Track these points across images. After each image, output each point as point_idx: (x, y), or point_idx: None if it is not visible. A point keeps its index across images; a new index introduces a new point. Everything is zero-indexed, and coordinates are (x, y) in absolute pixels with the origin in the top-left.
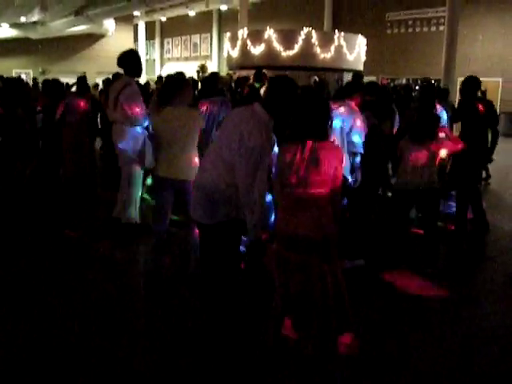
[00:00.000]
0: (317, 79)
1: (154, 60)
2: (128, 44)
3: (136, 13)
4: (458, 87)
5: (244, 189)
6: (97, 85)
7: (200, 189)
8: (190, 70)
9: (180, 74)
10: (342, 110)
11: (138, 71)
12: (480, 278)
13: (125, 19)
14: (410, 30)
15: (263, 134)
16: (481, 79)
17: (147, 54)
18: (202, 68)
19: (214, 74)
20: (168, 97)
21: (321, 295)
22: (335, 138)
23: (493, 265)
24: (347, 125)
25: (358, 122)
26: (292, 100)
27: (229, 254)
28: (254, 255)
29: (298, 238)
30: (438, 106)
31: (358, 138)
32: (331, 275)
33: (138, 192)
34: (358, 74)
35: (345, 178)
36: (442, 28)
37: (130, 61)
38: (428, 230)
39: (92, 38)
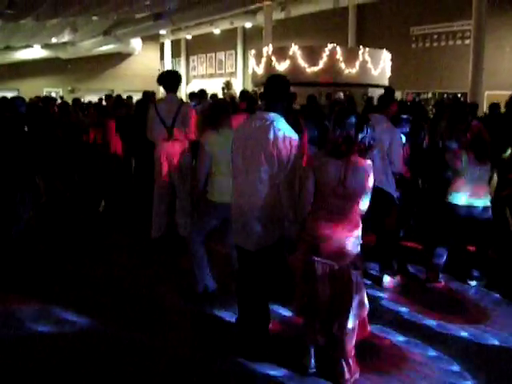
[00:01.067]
0: (341, 95)
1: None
2: (154, 62)
3: (162, 31)
4: (485, 101)
5: (289, 192)
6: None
7: (248, 214)
8: (216, 87)
9: (203, 92)
10: (384, 125)
11: (175, 87)
12: None
13: (151, 38)
14: (435, 44)
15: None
16: (508, 92)
17: None
18: (227, 85)
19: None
20: (216, 120)
21: (348, 299)
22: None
23: None
24: (387, 141)
25: (398, 138)
26: (287, 95)
27: (274, 275)
28: (285, 252)
29: (332, 245)
30: None
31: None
32: (356, 280)
33: None
34: (389, 88)
35: (390, 195)
36: (467, 41)
37: (169, 78)
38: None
39: (119, 57)
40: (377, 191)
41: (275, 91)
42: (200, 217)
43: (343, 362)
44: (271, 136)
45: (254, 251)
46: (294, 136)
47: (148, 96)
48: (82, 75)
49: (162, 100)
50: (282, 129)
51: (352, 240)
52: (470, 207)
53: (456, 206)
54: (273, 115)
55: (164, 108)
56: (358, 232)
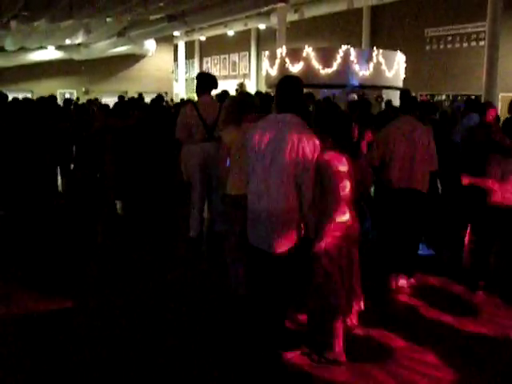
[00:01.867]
0: (355, 97)
1: (194, 79)
2: (168, 64)
3: (176, 33)
4: (500, 103)
5: (310, 195)
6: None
7: (265, 216)
8: (230, 88)
9: (225, 93)
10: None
11: (211, 88)
12: None
13: (165, 39)
14: (450, 45)
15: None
16: None
17: (187, 73)
18: (241, 86)
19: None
20: (239, 116)
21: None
22: None
23: None
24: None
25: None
26: (301, 95)
27: (292, 279)
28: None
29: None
30: None
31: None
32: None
33: None
34: (406, 91)
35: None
36: (482, 43)
37: (204, 80)
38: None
39: (133, 59)
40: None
41: (289, 92)
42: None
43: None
44: (294, 137)
45: (275, 254)
46: (315, 136)
47: (161, 98)
48: (95, 77)
49: (199, 101)
50: (305, 130)
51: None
52: None
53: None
54: (290, 116)
55: (205, 108)
56: None
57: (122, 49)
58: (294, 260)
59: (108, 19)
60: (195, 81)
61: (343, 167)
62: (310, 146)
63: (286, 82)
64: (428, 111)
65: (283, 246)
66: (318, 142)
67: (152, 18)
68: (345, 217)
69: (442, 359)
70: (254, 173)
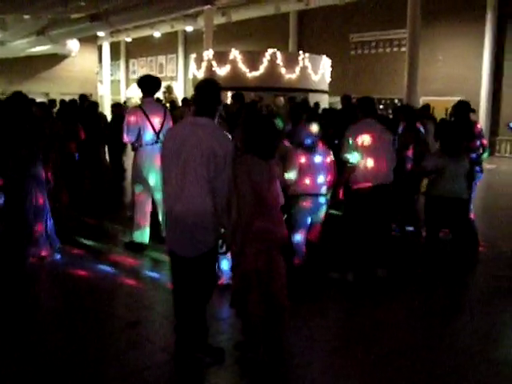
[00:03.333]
0: (282, 100)
1: (119, 81)
2: (92, 65)
3: (100, 33)
4: (421, 106)
5: (224, 198)
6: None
7: (181, 221)
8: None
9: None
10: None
11: (155, 91)
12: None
13: (89, 40)
14: (373, 50)
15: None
16: (442, 98)
17: (112, 74)
18: (168, 89)
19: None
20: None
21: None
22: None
23: None
24: None
25: None
26: (219, 99)
27: (210, 280)
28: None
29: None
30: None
31: None
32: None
33: None
34: (347, 96)
35: None
36: (403, 49)
37: (149, 82)
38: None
39: (55, 59)
40: None
41: (206, 96)
42: None
43: None
44: (208, 140)
45: (191, 258)
46: (230, 140)
47: (84, 99)
48: (14, 77)
49: (144, 103)
50: (218, 133)
51: (284, 228)
52: None
53: None
54: (205, 120)
55: (151, 111)
56: None
57: (42, 48)
58: (210, 263)
59: (26, 16)
60: (139, 83)
61: (261, 171)
62: (223, 149)
63: (201, 86)
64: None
65: (199, 249)
66: (231, 145)
67: (74, 17)
68: (262, 221)
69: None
70: (169, 177)
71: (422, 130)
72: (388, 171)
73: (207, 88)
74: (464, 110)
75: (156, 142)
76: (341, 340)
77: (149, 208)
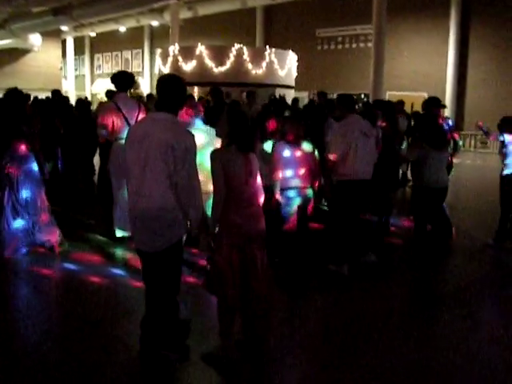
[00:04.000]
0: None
1: (84, 76)
2: (56, 59)
3: (63, 28)
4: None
5: (187, 192)
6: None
7: (143, 217)
8: None
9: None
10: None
11: (128, 86)
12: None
13: (52, 34)
14: (340, 46)
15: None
16: (407, 93)
17: (76, 69)
18: (134, 84)
19: None
20: None
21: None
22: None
23: None
24: None
25: None
26: (182, 95)
27: (175, 275)
28: None
29: (251, 231)
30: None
31: None
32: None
33: None
34: (323, 92)
35: None
36: (369, 44)
37: (122, 78)
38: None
39: (17, 53)
40: None
41: (168, 91)
42: None
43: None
44: (167, 135)
45: (154, 253)
46: (191, 134)
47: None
48: None
49: (117, 99)
50: (177, 128)
51: (263, 225)
52: None
53: None
54: (165, 115)
55: (125, 106)
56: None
57: (3, 42)
58: (173, 258)
59: None
60: (113, 79)
61: (236, 162)
62: (182, 143)
63: (162, 81)
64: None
65: (161, 245)
66: (192, 139)
67: (36, 10)
68: (237, 215)
69: None
70: (131, 173)
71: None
72: (371, 166)
73: (167, 83)
74: (434, 105)
75: None
76: (321, 331)
77: None
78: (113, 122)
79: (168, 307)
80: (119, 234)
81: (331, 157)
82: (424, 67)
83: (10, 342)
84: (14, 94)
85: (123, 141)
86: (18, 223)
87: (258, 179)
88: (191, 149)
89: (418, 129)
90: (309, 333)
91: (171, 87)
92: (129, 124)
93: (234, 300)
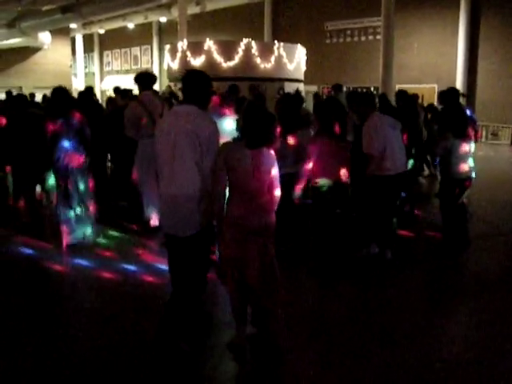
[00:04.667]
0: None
1: (94, 73)
2: (65, 57)
3: (72, 25)
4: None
5: (209, 180)
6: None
7: (174, 202)
8: (131, 83)
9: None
10: None
11: (152, 85)
12: None
13: (61, 32)
14: (349, 39)
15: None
16: (417, 86)
17: (86, 67)
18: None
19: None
20: None
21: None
22: None
23: None
24: None
25: None
26: (199, 87)
27: (204, 262)
28: None
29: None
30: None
31: None
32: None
33: None
34: (339, 85)
35: None
36: (378, 37)
37: (146, 77)
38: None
39: (27, 52)
40: None
41: (193, 85)
42: None
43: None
44: (191, 124)
45: (183, 238)
46: (213, 123)
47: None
48: None
49: (142, 97)
50: (200, 117)
51: (268, 218)
52: None
53: None
54: (189, 106)
55: (150, 104)
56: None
57: (14, 41)
58: (201, 244)
59: None
60: (136, 79)
61: (239, 157)
62: (206, 132)
63: (187, 76)
64: None
65: (190, 229)
66: (216, 129)
67: (45, 8)
68: (239, 208)
69: None
70: (162, 162)
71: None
72: (405, 158)
73: (189, 78)
74: (454, 96)
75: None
76: (324, 324)
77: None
78: (139, 120)
79: (192, 297)
80: (152, 224)
81: (373, 152)
82: (434, 59)
83: (21, 336)
84: (62, 92)
85: (149, 138)
86: (73, 213)
87: (273, 172)
88: (214, 136)
89: (441, 120)
90: (317, 326)
91: (196, 82)
92: (153, 121)
93: (234, 293)
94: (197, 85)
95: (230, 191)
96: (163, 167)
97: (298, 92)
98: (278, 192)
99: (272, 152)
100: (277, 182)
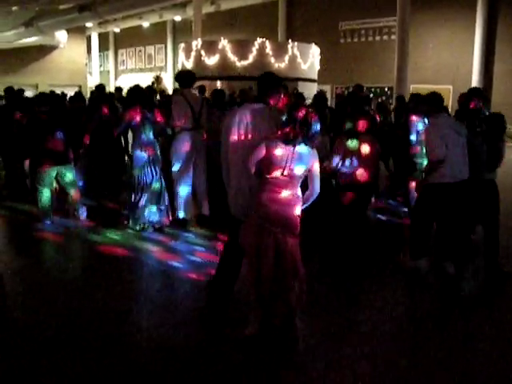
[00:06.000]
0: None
1: (109, 71)
2: (81, 56)
3: (88, 24)
4: (410, 94)
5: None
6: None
7: (240, 192)
8: (145, 82)
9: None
10: None
11: (192, 83)
12: None
13: (77, 30)
14: (363, 39)
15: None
16: (432, 86)
17: (101, 65)
18: (157, 79)
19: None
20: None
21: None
22: None
23: None
24: None
25: None
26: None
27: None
28: None
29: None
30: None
31: None
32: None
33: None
34: (359, 86)
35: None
36: (393, 37)
37: (186, 76)
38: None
39: (44, 50)
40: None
41: (266, 86)
42: None
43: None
44: (264, 121)
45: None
46: (271, 121)
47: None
48: (2, 69)
49: (185, 92)
50: (270, 115)
51: (294, 212)
52: None
53: None
54: (260, 105)
55: (192, 99)
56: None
57: (30, 40)
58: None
59: (14, 8)
60: (177, 78)
61: (272, 151)
62: (265, 129)
63: (260, 78)
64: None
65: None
66: (272, 126)
67: (62, 7)
68: (264, 195)
69: None
70: (236, 154)
71: None
72: (467, 166)
73: (263, 80)
74: (477, 95)
75: (195, 128)
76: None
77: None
78: (184, 113)
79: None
80: (181, 215)
81: (434, 157)
82: (449, 59)
83: (32, 327)
84: (139, 90)
85: (188, 131)
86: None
87: (315, 167)
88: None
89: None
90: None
91: (265, 83)
92: (194, 115)
93: (250, 278)
94: (264, 86)
95: (264, 179)
96: (236, 157)
97: (321, 92)
98: (316, 189)
99: (314, 151)
100: (314, 182)
